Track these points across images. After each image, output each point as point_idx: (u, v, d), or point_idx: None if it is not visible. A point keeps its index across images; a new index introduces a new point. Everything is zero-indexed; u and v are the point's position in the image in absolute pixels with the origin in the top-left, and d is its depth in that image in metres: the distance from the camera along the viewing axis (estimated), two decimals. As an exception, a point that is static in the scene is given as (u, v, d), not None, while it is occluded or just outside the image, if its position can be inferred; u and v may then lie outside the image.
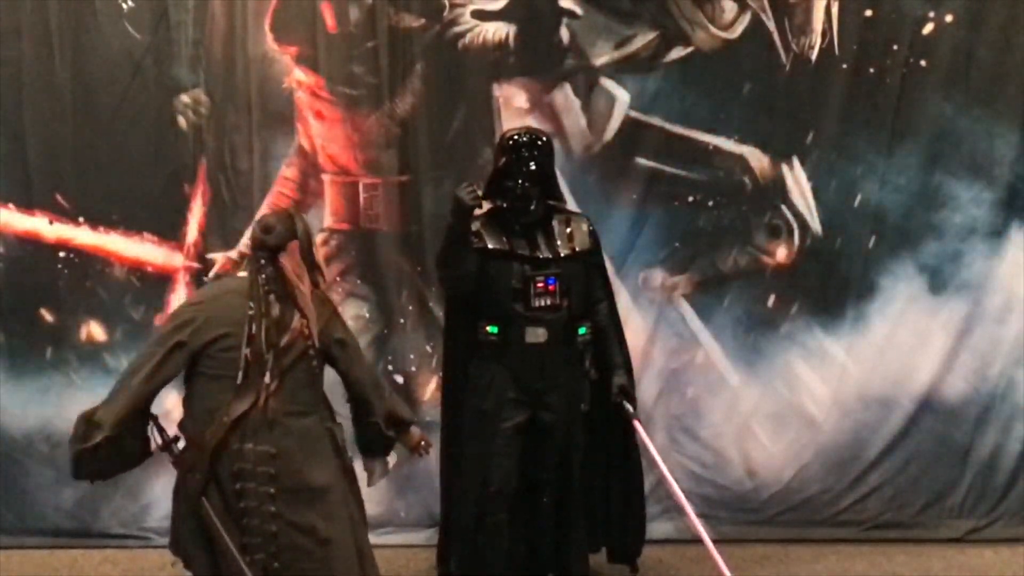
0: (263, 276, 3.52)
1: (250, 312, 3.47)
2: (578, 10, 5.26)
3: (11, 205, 5.38)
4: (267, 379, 3.46)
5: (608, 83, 5.29)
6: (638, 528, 4.64)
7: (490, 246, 4.28)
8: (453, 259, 4.24)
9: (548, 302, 4.26)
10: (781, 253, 5.34)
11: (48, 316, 5.40)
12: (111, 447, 3.45)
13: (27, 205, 5.38)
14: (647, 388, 5.23)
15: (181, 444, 3.57)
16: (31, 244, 5.39)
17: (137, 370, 3.50)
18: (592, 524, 4.57)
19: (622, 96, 5.28)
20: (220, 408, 3.47)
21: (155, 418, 3.56)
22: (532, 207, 4.28)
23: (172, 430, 3.61)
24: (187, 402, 3.60)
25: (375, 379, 3.90)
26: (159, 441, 3.55)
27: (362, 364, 3.80)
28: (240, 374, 3.44)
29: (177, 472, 3.58)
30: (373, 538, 5.08)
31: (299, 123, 5.32)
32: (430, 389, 5.30)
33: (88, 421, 3.45)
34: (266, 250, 3.54)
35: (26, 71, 5.32)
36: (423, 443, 3.92)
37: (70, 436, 3.49)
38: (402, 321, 5.36)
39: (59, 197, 5.37)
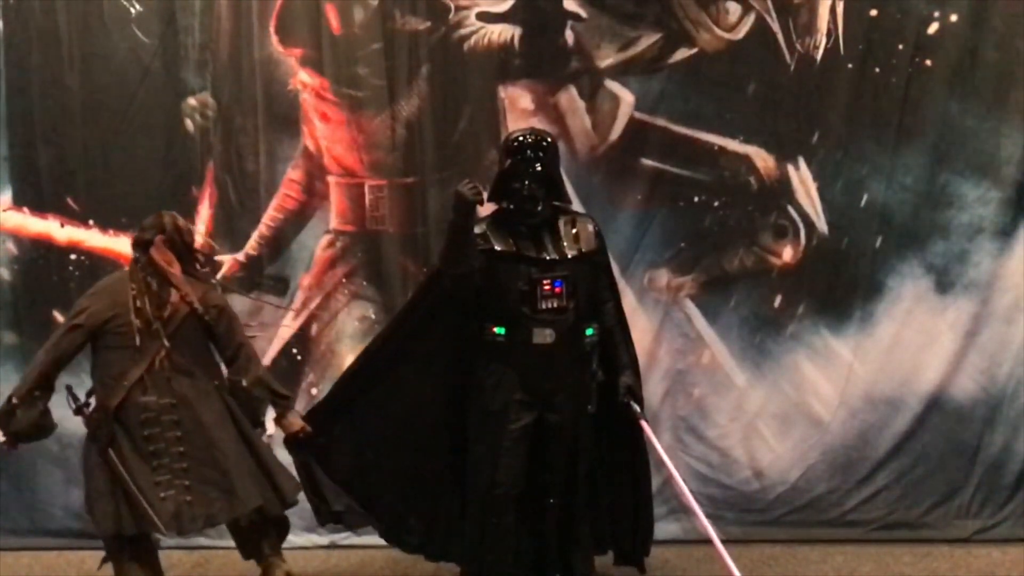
0: (139, 265, 4.30)
1: (132, 292, 4.23)
2: (583, 12, 5.28)
3: (24, 209, 5.46)
4: (160, 342, 4.18)
5: (613, 84, 5.30)
6: (646, 529, 4.62)
7: (497, 248, 4.27)
8: (456, 256, 4.22)
9: (555, 304, 4.25)
10: (787, 253, 5.33)
11: (60, 317, 5.43)
12: (27, 410, 4.18)
13: (39, 208, 5.46)
14: (653, 388, 5.23)
15: (92, 407, 4.25)
16: (43, 247, 5.48)
17: (44, 350, 4.28)
18: (598, 526, 4.56)
19: (627, 97, 5.30)
20: (123, 374, 4.18)
21: (69, 387, 4.24)
22: (538, 208, 4.27)
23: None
24: (94, 372, 4.30)
25: (251, 349, 4.48)
26: (73, 405, 4.24)
27: (239, 330, 4.45)
28: (137, 339, 4.16)
29: (88, 430, 4.23)
30: (377, 538, 5.11)
31: (304, 125, 5.36)
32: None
33: (8, 398, 4.23)
34: (140, 246, 4.32)
35: (36, 76, 5.40)
36: (303, 431, 4.44)
37: None
38: (408, 322, 5.38)
39: (70, 200, 5.45)
